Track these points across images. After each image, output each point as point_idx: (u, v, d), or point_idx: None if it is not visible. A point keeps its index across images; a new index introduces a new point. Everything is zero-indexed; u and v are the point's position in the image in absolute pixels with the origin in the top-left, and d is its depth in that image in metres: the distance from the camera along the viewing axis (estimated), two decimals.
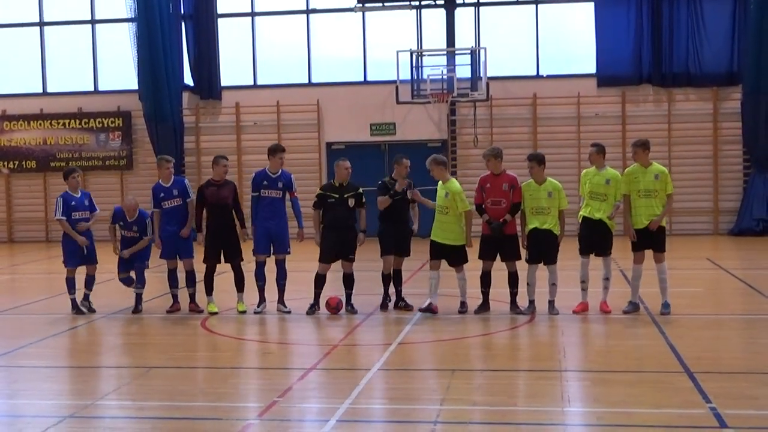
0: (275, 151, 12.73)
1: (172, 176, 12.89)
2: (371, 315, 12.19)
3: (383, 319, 12.03)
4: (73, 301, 12.84)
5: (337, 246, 12.22)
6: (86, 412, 7.82)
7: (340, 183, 12.39)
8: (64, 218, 12.71)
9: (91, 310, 12.80)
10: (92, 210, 13.02)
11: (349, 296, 12.41)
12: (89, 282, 12.93)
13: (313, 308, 12.30)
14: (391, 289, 12.53)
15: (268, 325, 11.92)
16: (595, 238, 12.12)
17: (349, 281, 12.39)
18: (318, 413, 7.71)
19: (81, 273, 12.87)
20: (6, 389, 9.03)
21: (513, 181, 11.95)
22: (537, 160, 12.12)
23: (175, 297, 12.81)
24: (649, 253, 12.00)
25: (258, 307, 12.51)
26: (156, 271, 14.53)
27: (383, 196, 12.29)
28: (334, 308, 12.25)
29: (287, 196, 12.68)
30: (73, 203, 12.80)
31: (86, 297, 12.91)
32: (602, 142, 12.74)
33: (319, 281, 12.34)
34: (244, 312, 12.48)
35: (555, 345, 10.27)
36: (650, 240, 11.96)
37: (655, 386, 8.28)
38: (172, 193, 12.72)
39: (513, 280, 12.10)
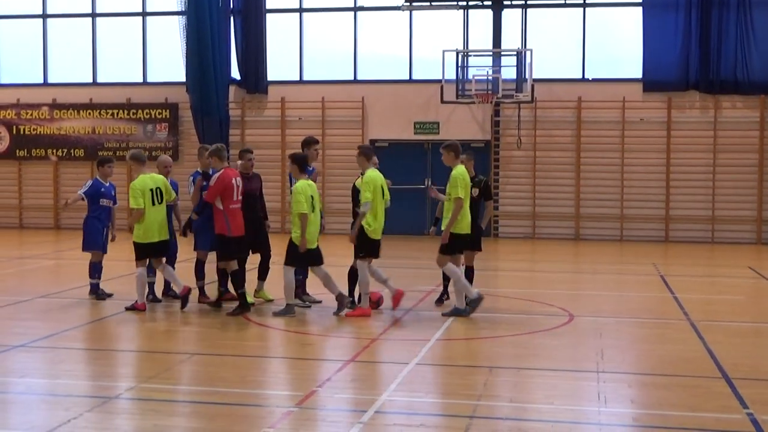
0: (311, 143, 12.76)
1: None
2: (410, 311, 12.30)
3: (422, 315, 12.11)
4: (94, 285, 13.14)
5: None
6: (130, 395, 8.00)
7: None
8: (85, 198, 13.01)
9: (107, 296, 13.09)
10: (114, 202, 13.34)
11: (350, 291, 12.47)
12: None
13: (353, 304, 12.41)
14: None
15: (309, 316, 12.04)
16: None
17: (352, 277, 12.46)
18: (356, 404, 7.82)
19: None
20: (51, 370, 9.26)
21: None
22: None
23: (202, 290, 12.88)
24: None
25: (304, 302, 12.61)
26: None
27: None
28: (374, 303, 12.36)
29: None
30: (102, 190, 13.13)
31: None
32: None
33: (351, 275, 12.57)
34: (271, 300, 12.64)
35: (592, 346, 10.28)
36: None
37: (692, 390, 8.30)
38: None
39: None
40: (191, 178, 12.90)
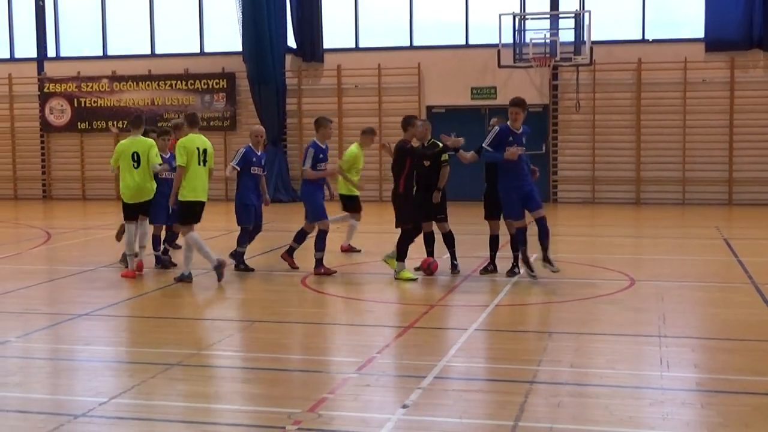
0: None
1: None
2: (469, 276, 12.26)
3: (481, 280, 12.07)
4: (157, 257, 13.41)
5: (421, 205, 12.20)
6: (192, 361, 8.09)
7: (422, 142, 12.49)
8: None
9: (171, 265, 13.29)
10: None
11: (452, 255, 12.51)
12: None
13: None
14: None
15: (368, 283, 12.08)
16: None
17: (446, 240, 12.50)
18: (415, 370, 7.80)
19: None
20: (115, 338, 9.43)
21: None
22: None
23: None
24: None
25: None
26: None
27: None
28: (426, 269, 12.35)
29: None
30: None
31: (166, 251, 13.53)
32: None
33: (425, 239, 12.52)
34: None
35: (654, 311, 10.15)
36: None
37: (758, 354, 8.16)
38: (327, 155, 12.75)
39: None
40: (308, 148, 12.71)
